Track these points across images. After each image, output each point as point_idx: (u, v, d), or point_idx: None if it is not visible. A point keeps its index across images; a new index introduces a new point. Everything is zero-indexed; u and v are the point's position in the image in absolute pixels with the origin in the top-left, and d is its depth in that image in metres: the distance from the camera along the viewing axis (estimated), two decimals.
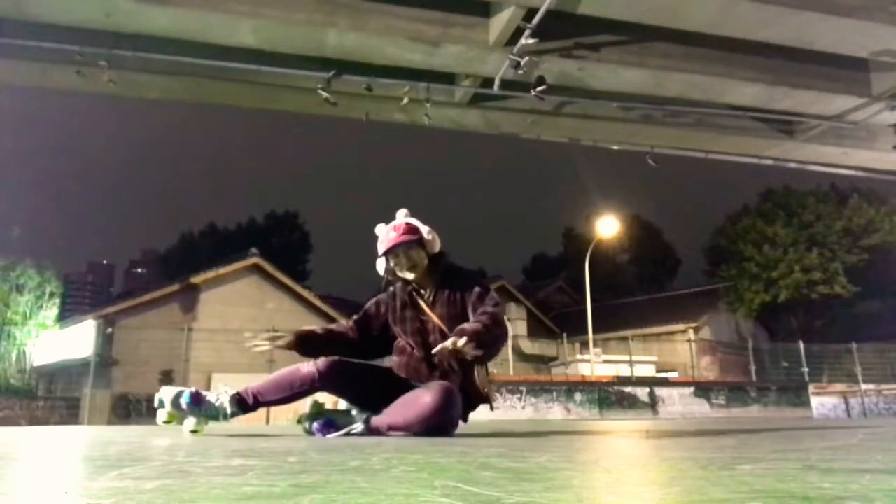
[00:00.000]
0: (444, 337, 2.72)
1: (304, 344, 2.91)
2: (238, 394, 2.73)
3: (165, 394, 2.72)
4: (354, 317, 3.10)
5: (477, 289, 2.91)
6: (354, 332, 3.03)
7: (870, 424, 5.06)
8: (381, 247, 2.98)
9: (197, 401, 2.67)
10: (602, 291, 28.76)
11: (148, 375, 14.41)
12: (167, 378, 14.52)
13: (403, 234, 2.94)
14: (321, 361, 2.79)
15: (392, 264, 2.98)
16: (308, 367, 2.78)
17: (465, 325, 2.65)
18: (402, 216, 3.05)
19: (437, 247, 3.02)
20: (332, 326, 3.14)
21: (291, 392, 2.76)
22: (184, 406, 2.65)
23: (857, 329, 20.89)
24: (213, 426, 2.80)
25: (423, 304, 2.93)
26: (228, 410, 2.69)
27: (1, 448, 2.10)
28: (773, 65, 8.01)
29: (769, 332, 26.39)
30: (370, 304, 3.10)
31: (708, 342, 23.36)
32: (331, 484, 0.92)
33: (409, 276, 2.94)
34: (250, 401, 2.73)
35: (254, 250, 17.63)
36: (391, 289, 3.07)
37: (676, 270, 41.09)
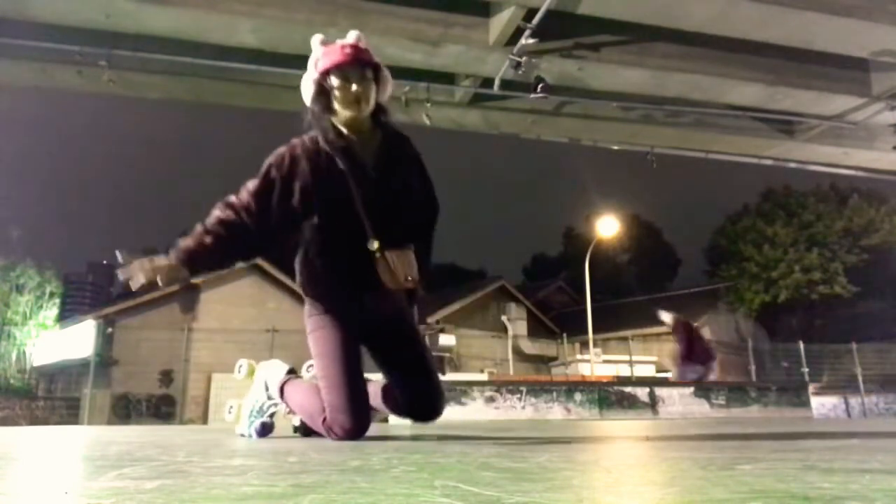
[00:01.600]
0: (382, 224, 2.11)
1: (193, 268, 2.05)
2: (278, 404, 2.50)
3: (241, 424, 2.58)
4: (252, 186, 2.09)
5: (418, 169, 2.30)
6: (253, 216, 2.06)
7: (870, 424, 5.06)
8: (324, 60, 2.08)
9: (263, 434, 2.49)
10: (602, 291, 28.73)
11: (148, 375, 14.41)
12: (167, 378, 14.52)
13: (361, 52, 2.10)
14: (352, 423, 2.12)
15: (335, 85, 2.08)
16: (336, 431, 2.14)
17: (414, 255, 2.13)
18: (353, 38, 2.14)
19: (387, 94, 2.22)
20: (221, 216, 2.06)
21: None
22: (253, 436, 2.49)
23: (857, 329, 20.88)
24: (216, 426, 2.78)
25: (349, 170, 2.09)
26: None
27: (1, 448, 2.10)
28: (773, 65, 8.02)
29: (769, 332, 26.38)
30: (275, 161, 2.11)
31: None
32: (331, 484, 0.92)
33: (350, 112, 2.10)
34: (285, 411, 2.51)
35: None
36: (308, 135, 2.16)
37: (676, 270, 41.09)
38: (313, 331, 2.26)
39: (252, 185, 2.10)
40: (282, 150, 2.15)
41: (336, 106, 2.11)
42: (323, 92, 2.12)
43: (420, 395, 2.28)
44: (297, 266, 2.33)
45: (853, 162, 10.70)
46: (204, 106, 9.71)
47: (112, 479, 1.00)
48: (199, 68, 7.69)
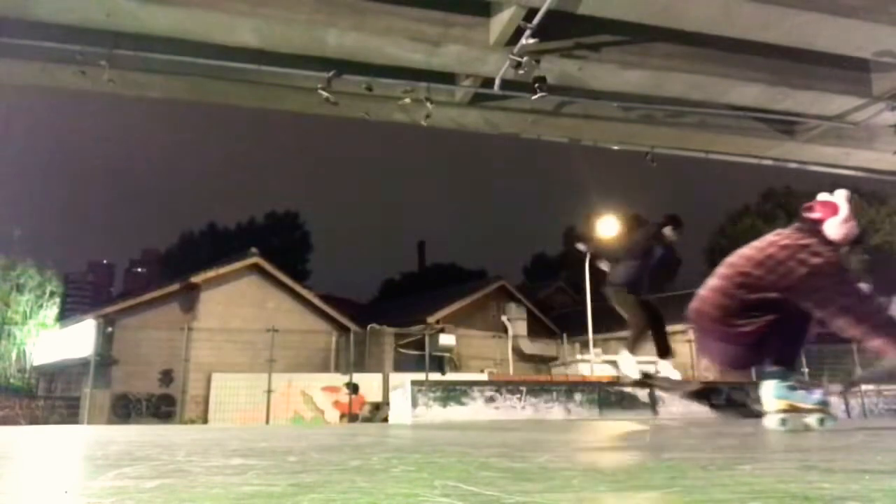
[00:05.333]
0: None
1: None
2: None
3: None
4: None
5: None
6: None
7: (870, 425, 5.06)
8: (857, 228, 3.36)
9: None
10: (602, 292, 28.66)
11: (148, 375, 14.40)
12: (167, 377, 14.51)
13: None
14: None
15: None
16: None
17: None
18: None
19: None
20: None
21: None
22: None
23: None
24: (216, 426, 2.78)
25: None
26: None
27: (1, 447, 2.10)
28: (773, 65, 8.01)
29: None
30: None
31: None
32: (331, 484, 0.92)
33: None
34: None
35: (254, 250, 17.61)
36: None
37: (676, 271, 41.00)
38: None
39: None
40: None
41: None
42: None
43: None
44: None
45: (854, 162, 10.69)
46: (204, 105, 9.73)
47: (112, 479, 1.00)
48: (200, 68, 7.69)
